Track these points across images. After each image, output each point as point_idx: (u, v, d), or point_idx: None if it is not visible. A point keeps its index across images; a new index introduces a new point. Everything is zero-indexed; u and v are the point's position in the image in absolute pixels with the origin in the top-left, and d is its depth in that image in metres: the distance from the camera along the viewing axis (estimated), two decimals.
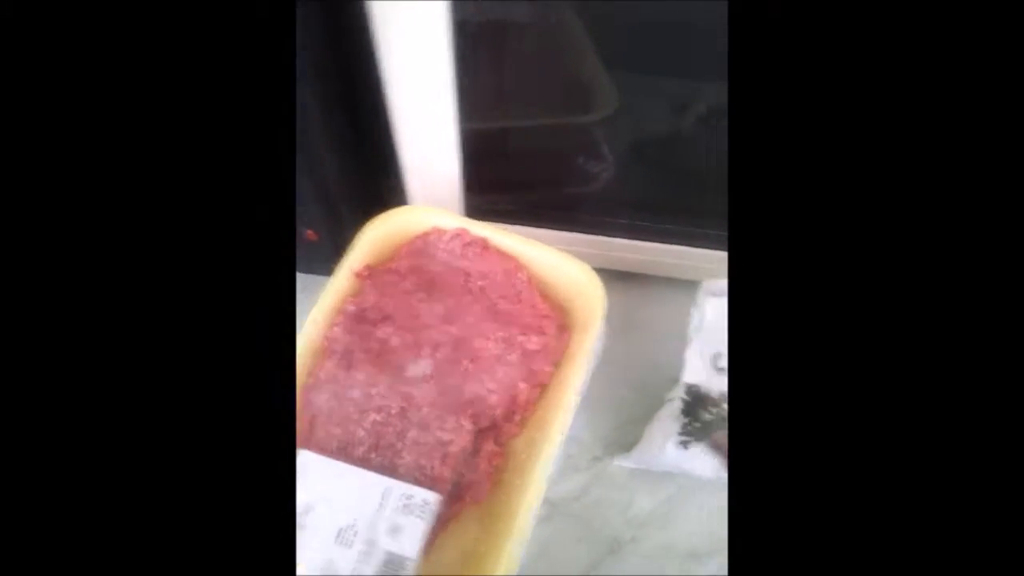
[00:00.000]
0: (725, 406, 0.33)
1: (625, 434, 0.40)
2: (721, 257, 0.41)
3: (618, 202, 0.42)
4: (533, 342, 0.33)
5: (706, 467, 0.35)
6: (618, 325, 0.40)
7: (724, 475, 0.36)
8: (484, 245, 0.36)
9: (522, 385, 0.32)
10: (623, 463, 0.39)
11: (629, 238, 0.42)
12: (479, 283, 0.35)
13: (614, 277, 0.47)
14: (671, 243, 0.41)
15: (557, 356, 0.33)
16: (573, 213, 0.42)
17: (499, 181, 0.41)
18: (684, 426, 0.34)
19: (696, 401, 0.34)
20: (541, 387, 0.33)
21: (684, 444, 0.35)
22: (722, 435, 0.34)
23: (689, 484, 0.39)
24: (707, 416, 0.34)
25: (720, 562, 0.37)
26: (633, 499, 0.39)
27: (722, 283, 0.33)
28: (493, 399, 0.31)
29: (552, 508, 0.39)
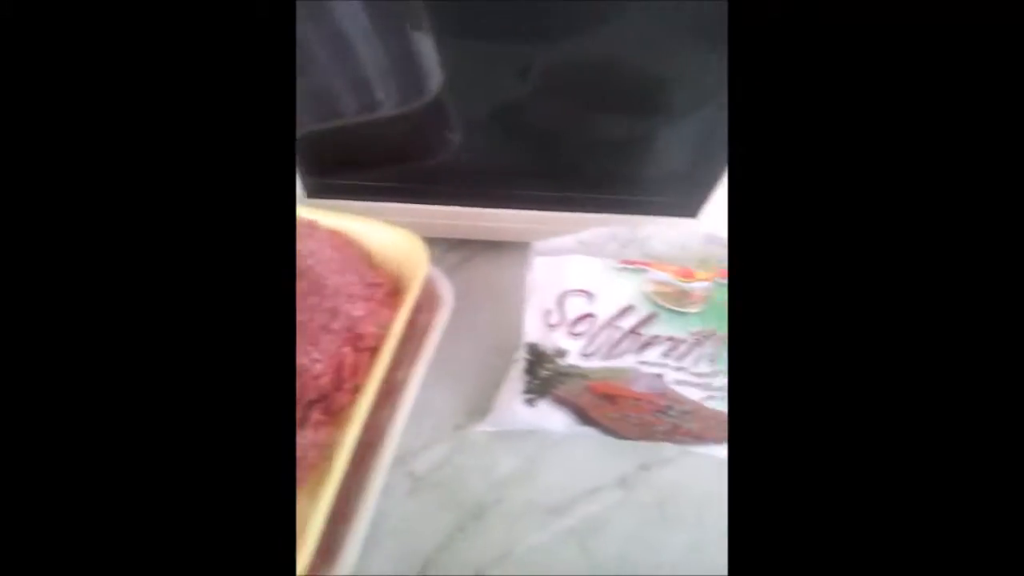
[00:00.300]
0: (559, 361, 0.34)
1: (485, 399, 0.40)
2: (556, 217, 0.42)
3: (463, 172, 0.43)
4: (359, 308, 0.33)
5: (556, 422, 0.36)
6: (469, 292, 0.40)
7: (576, 428, 0.36)
8: (312, 226, 0.36)
9: (346, 350, 0.32)
10: (484, 428, 0.40)
11: (474, 206, 0.43)
12: (308, 262, 0.35)
13: (463, 246, 0.49)
14: (514, 208, 0.42)
15: (385, 319, 0.33)
16: (419, 186, 0.43)
17: (339, 161, 0.42)
18: (527, 384, 0.35)
19: (536, 359, 0.34)
20: (370, 351, 0.33)
21: (530, 401, 0.36)
22: (563, 390, 0.35)
23: (547, 441, 0.40)
24: (544, 372, 0.34)
25: (581, 514, 0.38)
26: (496, 462, 0.39)
27: (550, 242, 0.34)
28: (317, 368, 0.31)
29: (416, 481, 0.38)
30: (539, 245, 0.34)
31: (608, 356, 0.32)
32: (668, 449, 0.40)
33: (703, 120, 0.37)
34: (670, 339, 0.32)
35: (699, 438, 0.36)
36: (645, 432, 0.36)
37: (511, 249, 0.47)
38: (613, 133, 0.39)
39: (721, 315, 0.31)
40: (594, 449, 0.40)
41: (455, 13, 0.32)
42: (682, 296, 0.31)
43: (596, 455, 0.40)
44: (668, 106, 0.37)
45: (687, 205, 0.42)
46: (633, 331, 0.32)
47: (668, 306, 0.31)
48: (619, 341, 0.32)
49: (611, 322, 0.32)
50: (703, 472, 0.39)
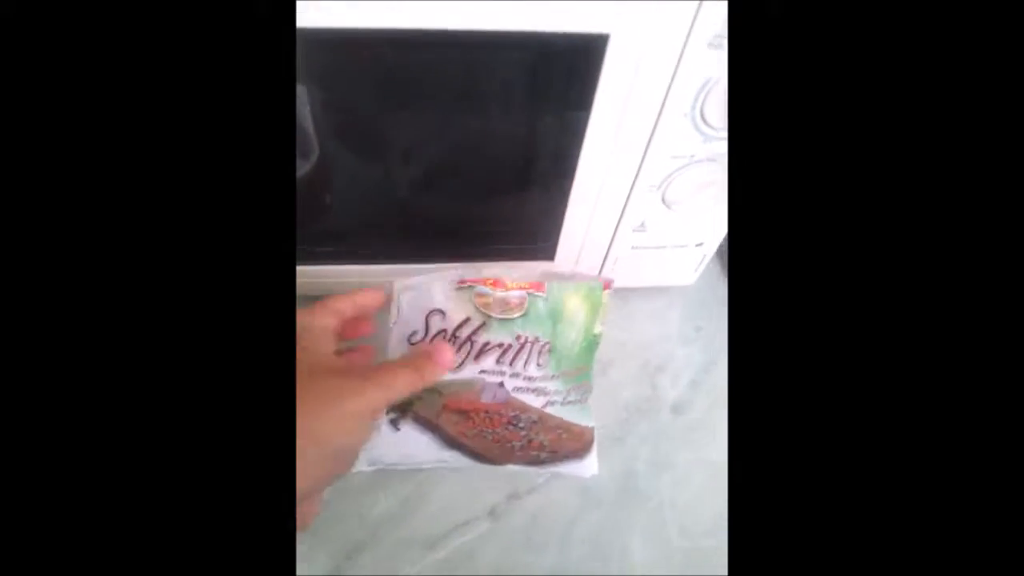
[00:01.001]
0: None
1: None
2: (427, 268, 0.45)
3: (338, 234, 0.45)
4: None
5: (422, 447, 0.38)
6: None
7: (443, 453, 0.39)
8: None
9: None
10: (362, 468, 0.41)
11: (346, 264, 0.46)
12: None
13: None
14: (386, 264, 0.46)
15: None
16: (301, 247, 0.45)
17: None
18: (390, 407, 0.37)
19: None
20: None
21: (394, 423, 0.38)
22: (423, 408, 0.38)
23: (423, 480, 0.42)
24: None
25: (454, 545, 0.40)
26: (375, 501, 0.41)
27: (413, 279, 0.39)
28: None
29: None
30: (404, 282, 0.39)
31: (453, 369, 0.37)
32: (536, 477, 0.43)
33: (545, 182, 0.41)
34: (499, 345, 0.37)
35: (554, 453, 0.39)
36: (504, 451, 0.39)
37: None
38: (476, 197, 0.43)
39: (540, 324, 0.38)
40: (466, 483, 0.42)
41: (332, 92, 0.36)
42: (502, 304, 0.37)
43: (468, 489, 0.42)
44: (518, 179, 0.41)
45: (546, 250, 0.46)
46: (469, 339, 0.37)
47: (493, 314, 0.37)
48: (459, 350, 0.37)
49: (454, 333, 0.37)
50: (566, 495, 0.42)
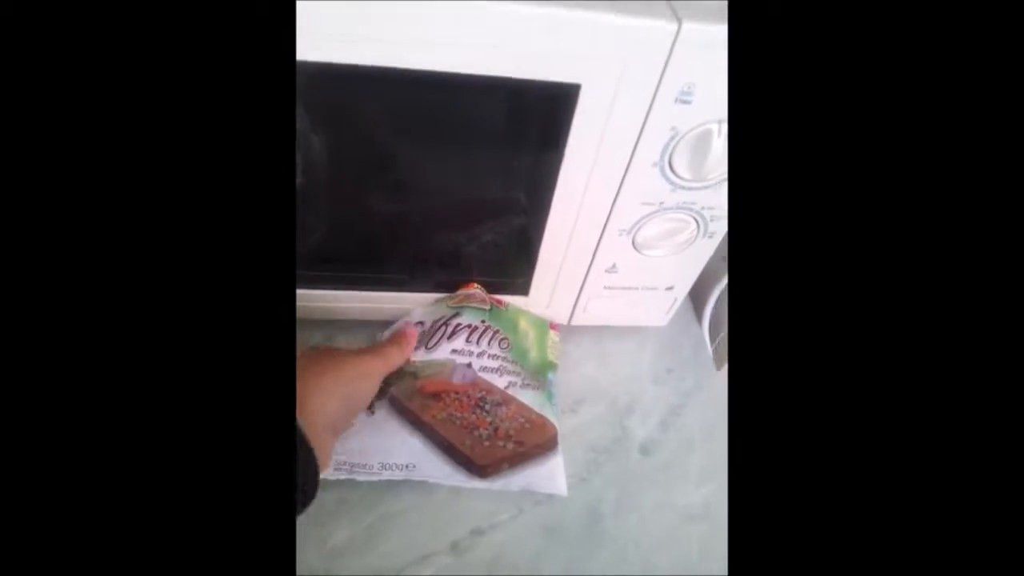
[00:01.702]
0: None
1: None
2: (411, 297, 0.46)
3: (323, 259, 0.46)
4: None
5: (391, 432, 0.41)
6: None
7: (410, 441, 0.41)
8: None
9: None
10: (329, 476, 0.40)
11: (334, 289, 0.46)
12: None
13: (328, 325, 0.52)
14: (372, 290, 0.46)
15: None
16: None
17: None
18: None
19: None
20: None
21: (370, 407, 0.42)
22: (398, 389, 0.43)
23: (385, 511, 0.42)
24: None
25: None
26: (331, 533, 0.41)
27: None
28: None
29: None
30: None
31: (430, 347, 0.44)
32: (500, 514, 0.43)
33: (520, 221, 0.43)
34: (468, 326, 0.45)
35: (520, 444, 0.42)
36: (472, 440, 0.41)
37: (367, 326, 0.50)
38: (454, 231, 0.45)
39: (499, 322, 0.46)
40: (429, 515, 0.42)
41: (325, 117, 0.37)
42: (470, 299, 0.46)
43: (431, 522, 0.42)
44: (494, 216, 0.43)
45: (521, 286, 0.47)
46: (444, 322, 0.45)
47: (462, 305, 0.46)
48: (436, 332, 0.45)
49: (431, 327, 0.45)
50: (530, 533, 0.42)
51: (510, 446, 0.42)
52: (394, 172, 0.41)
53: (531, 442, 0.42)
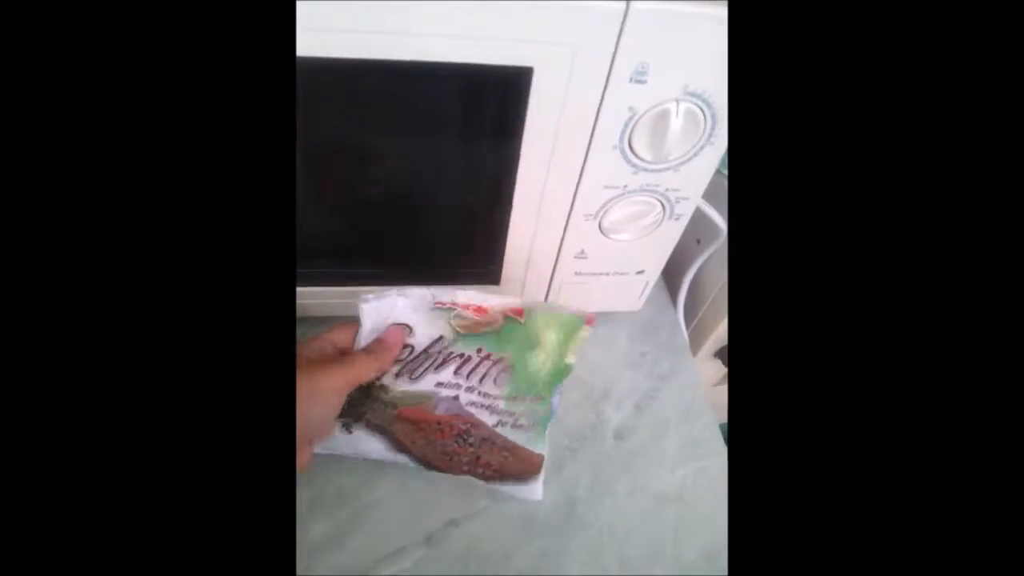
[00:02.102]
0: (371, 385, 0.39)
1: None
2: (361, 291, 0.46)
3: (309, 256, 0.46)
4: None
5: (372, 447, 0.39)
6: None
7: (391, 455, 0.39)
8: None
9: None
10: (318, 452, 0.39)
11: (316, 286, 0.46)
12: None
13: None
14: (351, 285, 0.46)
15: None
16: None
17: None
18: (342, 411, 0.37)
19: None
20: None
21: (346, 427, 0.38)
22: (374, 415, 0.39)
23: (358, 504, 0.42)
24: (354, 395, 0.38)
25: (389, 572, 0.39)
26: (307, 528, 0.41)
27: (374, 297, 0.39)
28: None
29: None
30: (366, 296, 0.39)
31: (413, 378, 0.39)
32: (474, 504, 0.42)
33: (485, 208, 0.42)
34: (460, 355, 0.39)
35: (500, 472, 0.39)
36: (452, 463, 0.39)
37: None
38: (420, 221, 0.44)
39: (508, 345, 0.39)
40: (403, 508, 0.42)
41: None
42: (476, 326, 0.39)
43: (405, 515, 0.42)
44: (459, 205, 0.42)
45: (491, 274, 0.47)
46: (437, 352, 0.39)
47: (467, 333, 0.39)
48: (423, 362, 0.39)
49: (426, 349, 0.39)
50: (505, 523, 0.42)
51: (490, 472, 0.39)
52: (357, 164, 0.40)
53: (512, 471, 0.39)
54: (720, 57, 0.32)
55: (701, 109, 0.35)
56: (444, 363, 0.39)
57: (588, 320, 0.40)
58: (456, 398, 0.39)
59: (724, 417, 0.75)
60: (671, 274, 0.58)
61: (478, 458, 0.39)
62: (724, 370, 0.62)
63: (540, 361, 0.39)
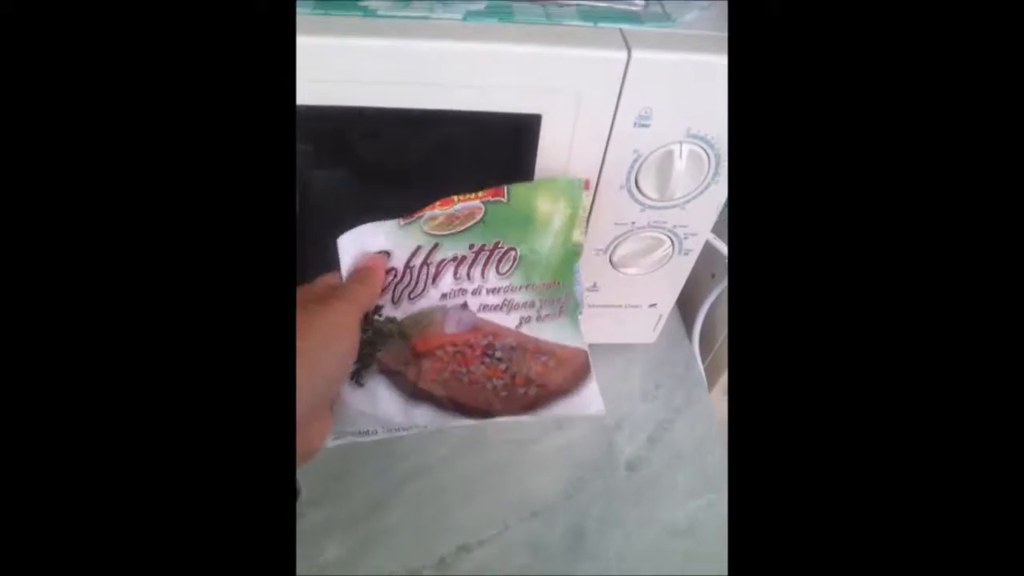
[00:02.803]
0: (375, 317, 0.35)
1: None
2: None
3: None
4: None
5: (391, 406, 0.34)
6: None
7: (411, 410, 0.34)
8: None
9: None
10: (328, 444, 0.35)
11: None
12: None
13: None
14: None
15: None
16: None
17: None
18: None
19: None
20: None
21: (358, 379, 0.34)
22: (387, 355, 0.34)
23: (373, 528, 0.43)
24: (365, 335, 0.33)
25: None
26: (322, 551, 0.42)
27: (350, 232, 0.35)
28: None
29: None
30: (343, 235, 0.36)
31: (412, 297, 0.35)
32: (486, 530, 0.43)
33: None
34: (453, 258, 0.34)
35: (543, 387, 0.34)
36: (486, 394, 0.34)
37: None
38: None
39: (498, 230, 0.34)
40: (416, 531, 0.43)
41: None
42: (451, 221, 0.34)
43: (417, 538, 0.43)
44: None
45: None
46: (424, 263, 0.34)
47: (443, 233, 0.34)
48: (416, 278, 0.35)
49: (407, 264, 0.35)
50: (516, 549, 0.43)
51: (532, 391, 0.34)
52: (379, 206, 0.43)
53: (557, 381, 0.35)
54: (720, 101, 0.34)
55: (704, 150, 0.36)
56: (440, 272, 0.34)
57: (584, 184, 0.35)
58: (465, 305, 0.35)
59: None
60: (687, 308, 0.59)
61: (514, 376, 0.34)
62: None
63: (543, 239, 0.35)
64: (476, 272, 0.35)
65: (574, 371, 0.35)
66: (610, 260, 0.44)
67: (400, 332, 0.35)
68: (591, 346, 0.51)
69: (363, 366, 0.34)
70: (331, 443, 0.34)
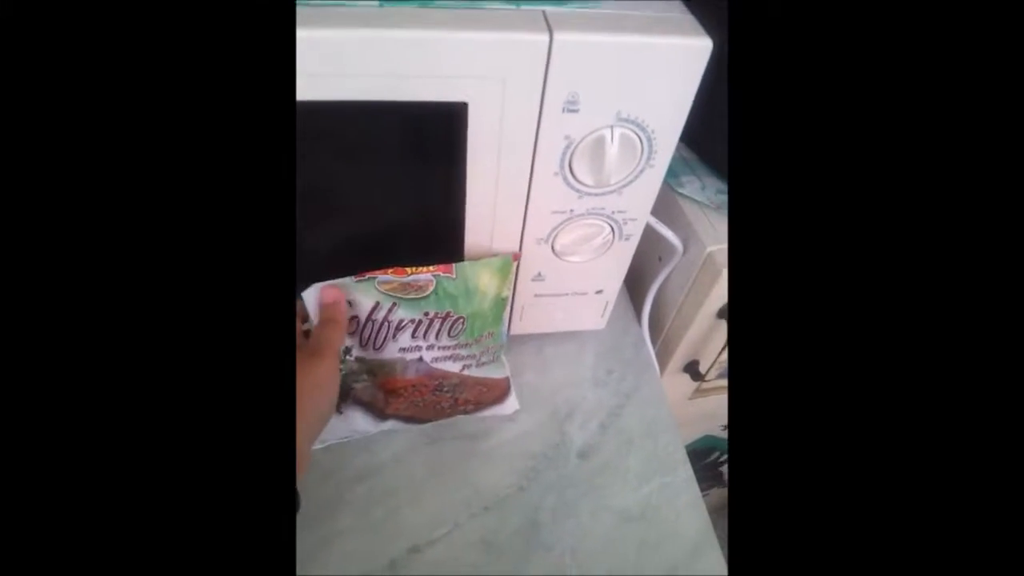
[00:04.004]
0: (348, 357, 0.43)
1: None
2: None
3: None
4: None
5: (361, 423, 0.45)
6: None
7: (380, 425, 0.45)
8: None
9: None
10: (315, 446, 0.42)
11: None
12: None
13: None
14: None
15: None
16: None
17: None
18: None
19: None
20: None
21: (339, 410, 0.43)
22: (360, 390, 0.44)
23: (320, 534, 0.42)
24: (342, 370, 0.39)
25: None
26: None
27: (313, 286, 0.39)
28: None
29: None
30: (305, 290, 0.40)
31: (377, 347, 0.42)
32: (437, 529, 0.43)
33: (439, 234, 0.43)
34: (412, 320, 0.41)
35: (478, 404, 0.47)
36: (436, 411, 0.46)
37: None
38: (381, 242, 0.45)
39: (449, 301, 0.41)
40: (366, 534, 0.42)
41: None
42: (407, 288, 0.40)
43: (368, 541, 0.42)
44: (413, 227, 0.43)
45: None
46: (385, 320, 0.41)
47: (400, 296, 0.40)
48: (378, 331, 0.41)
49: (369, 316, 0.41)
50: (467, 548, 0.42)
51: (471, 407, 0.46)
52: (314, 200, 0.41)
53: (488, 400, 0.47)
54: (649, 83, 0.33)
55: (636, 134, 0.35)
56: (399, 330, 0.41)
57: (514, 257, 0.42)
58: (421, 359, 0.43)
59: (693, 432, 0.75)
60: (635, 290, 0.59)
61: (456, 400, 0.45)
62: (694, 384, 0.62)
63: (484, 302, 0.42)
64: (431, 335, 0.42)
65: (501, 392, 0.48)
66: (552, 249, 0.43)
67: (369, 370, 0.43)
68: (542, 336, 0.51)
69: (341, 399, 0.43)
70: (318, 446, 0.43)
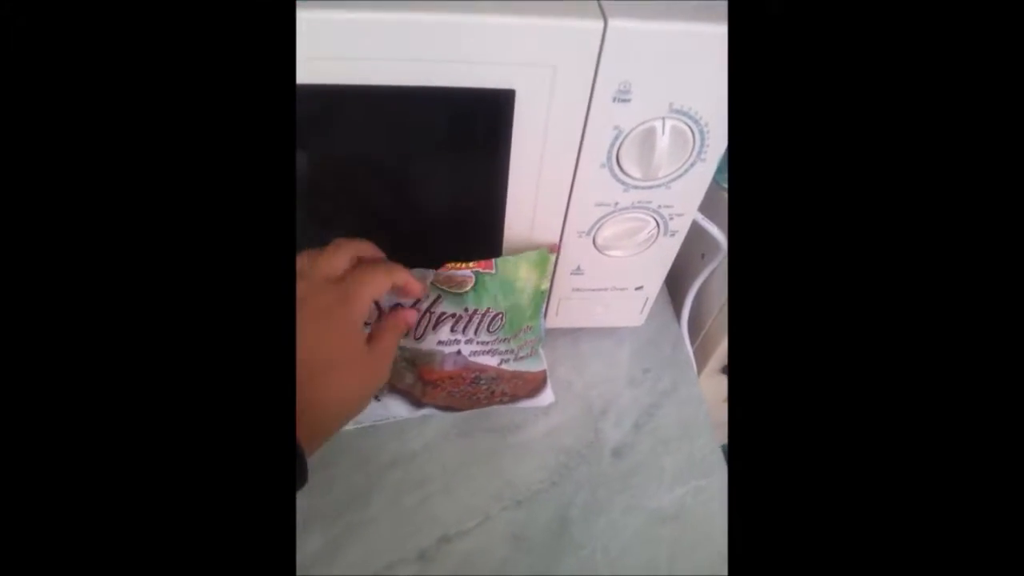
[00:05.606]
0: None
1: None
2: None
3: None
4: None
5: (398, 409, 0.45)
6: None
7: (416, 412, 0.45)
8: None
9: None
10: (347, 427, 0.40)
11: None
12: None
13: None
14: None
15: None
16: None
17: None
18: None
19: None
20: None
21: (376, 397, 0.44)
22: (397, 379, 0.44)
23: (352, 520, 0.42)
24: None
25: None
26: (302, 543, 0.41)
27: None
28: None
29: None
30: None
31: (417, 337, 0.42)
32: (467, 521, 0.43)
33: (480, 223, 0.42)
34: (452, 315, 0.42)
35: (514, 397, 0.46)
36: (472, 401, 0.45)
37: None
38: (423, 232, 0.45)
39: (488, 298, 0.42)
40: (396, 524, 0.42)
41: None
42: (450, 280, 0.41)
43: (398, 530, 0.42)
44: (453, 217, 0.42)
45: None
46: (428, 311, 0.41)
47: (444, 288, 0.41)
48: (420, 320, 0.41)
49: (415, 306, 0.41)
50: (497, 540, 0.42)
51: (506, 399, 0.46)
52: (359, 185, 0.41)
53: (523, 392, 0.46)
54: (704, 74, 0.32)
55: (688, 126, 0.34)
56: (439, 323, 0.42)
57: (551, 249, 0.42)
58: (459, 352, 0.43)
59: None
60: (675, 288, 0.58)
61: (493, 392, 0.45)
62: None
63: (522, 297, 0.43)
64: (471, 330, 0.43)
65: (537, 385, 0.47)
66: (594, 242, 0.42)
67: (410, 359, 0.44)
68: (578, 330, 0.51)
69: (379, 391, 0.43)
70: (351, 427, 0.43)
